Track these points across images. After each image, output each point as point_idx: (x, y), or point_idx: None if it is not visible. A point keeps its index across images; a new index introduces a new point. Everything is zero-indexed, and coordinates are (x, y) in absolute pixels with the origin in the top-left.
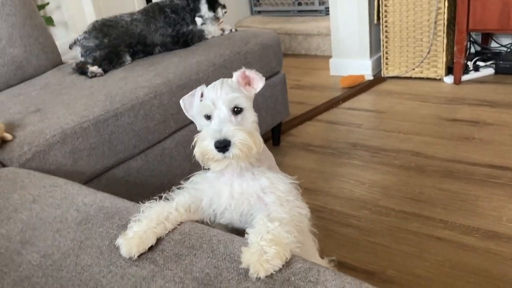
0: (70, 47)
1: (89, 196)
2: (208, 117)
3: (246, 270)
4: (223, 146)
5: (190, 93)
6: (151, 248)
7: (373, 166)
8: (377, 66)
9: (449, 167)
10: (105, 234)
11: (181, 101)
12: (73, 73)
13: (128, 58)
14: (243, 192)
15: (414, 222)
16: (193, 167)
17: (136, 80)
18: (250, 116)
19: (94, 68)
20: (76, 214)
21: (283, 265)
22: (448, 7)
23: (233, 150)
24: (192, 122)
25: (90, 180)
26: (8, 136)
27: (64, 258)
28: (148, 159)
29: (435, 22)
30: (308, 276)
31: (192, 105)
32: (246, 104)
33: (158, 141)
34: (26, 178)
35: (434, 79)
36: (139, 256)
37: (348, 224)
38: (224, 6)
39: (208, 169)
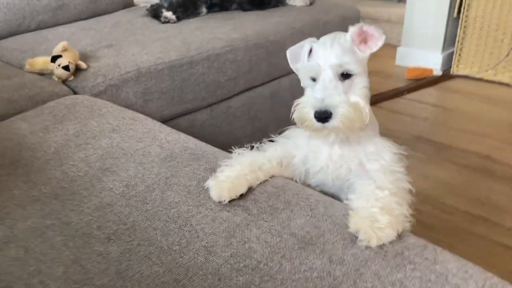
0: None
1: (172, 134)
2: (313, 79)
3: (352, 236)
4: (323, 117)
5: (298, 44)
6: (242, 197)
7: (438, 162)
8: (447, 62)
9: None
10: (192, 174)
11: (287, 52)
12: (145, 15)
13: (204, 9)
14: (344, 155)
15: (480, 226)
16: (255, 130)
17: (212, 31)
18: (360, 82)
19: (169, 14)
20: (160, 150)
21: (395, 238)
22: None
23: (333, 122)
24: (260, 85)
25: None
26: (83, 64)
27: (149, 191)
28: (213, 115)
29: None
30: (424, 253)
31: (299, 58)
32: (357, 69)
33: (225, 98)
34: (104, 107)
35: (508, 85)
36: (230, 203)
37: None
38: None
39: None
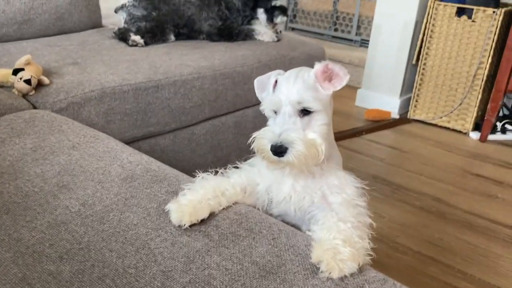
0: (116, 10)
1: (134, 155)
2: (275, 111)
3: (314, 267)
4: (279, 151)
5: (266, 74)
6: (203, 222)
7: (393, 202)
8: (404, 106)
9: (471, 220)
10: (152, 197)
11: (255, 81)
12: (113, 38)
13: (172, 37)
14: (307, 186)
15: (432, 267)
16: (215, 159)
17: (180, 57)
18: (319, 119)
19: (137, 38)
20: (121, 170)
21: (356, 270)
22: (490, 63)
23: (288, 157)
24: (225, 114)
25: None
26: (46, 79)
27: (106, 211)
28: (176, 140)
29: (474, 76)
30: (384, 287)
31: (265, 88)
32: (317, 107)
33: (190, 124)
34: (64, 123)
35: (460, 132)
36: (191, 227)
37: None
38: (285, 13)
39: None
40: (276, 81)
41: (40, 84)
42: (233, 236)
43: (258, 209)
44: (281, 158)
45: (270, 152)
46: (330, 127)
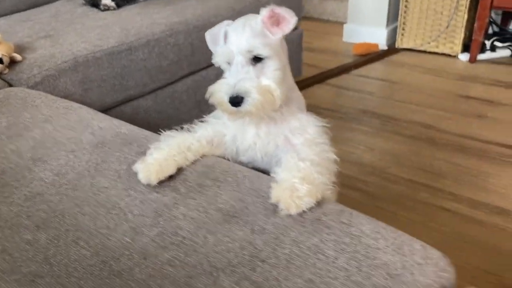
0: None
1: (105, 121)
2: (228, 63)
3: (275, 206)
4: (236, 102)
5: (216, 26)
6: (172, 177)
7: (383, 134)
8: (392, 36)
9: (461, 142)
10: (123, 159)
11: (206, 34)
12: (84, 5)
13: None
14: (270, 131)
15: (423, 192)
16: (201, 114)
17: (152, 16)
18: (272, 65)
19: (108, 1)
20: (92, 137)
21: (314, 205)
22: None
23: (245, 107)
24: (205, 68)
25: None
26: (18, 56)
27: (79, 178)
28: (158, 100)
29: None
30: (341, 218)
31: (217, 41)
32: (268, 53)
33: (169, 83)
34: (38, 98)
35: (449, 55)
36: (159, 183)
37: (355, 188)
38: None
39: None
40: (226, 34)
41: (13, 62)
42: (199, 187)
43: (228, 159)
44: (239, 108)
45: (228, 104)
46: (286, 70)
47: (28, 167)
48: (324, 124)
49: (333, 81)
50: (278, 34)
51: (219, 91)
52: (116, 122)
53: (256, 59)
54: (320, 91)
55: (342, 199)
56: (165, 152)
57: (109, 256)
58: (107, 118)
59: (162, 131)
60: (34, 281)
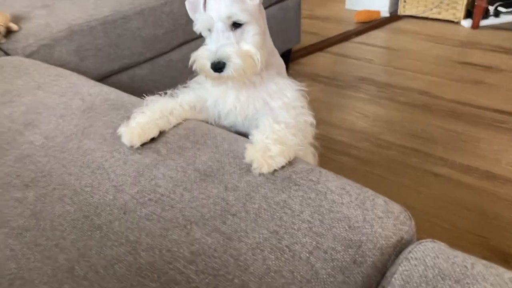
0: None
1: (95, 88)
2: (209, 30)
3: (249, 166)
4: (218, 68)
5: None
6: (154, 140)
7: (379, 101)
8: (394, 3)
9: (455, 108)
10: (109, 123)
11: (186, 2)
12: None
13: None
14: (249, 95)
15: (414, 157)
16: None
17: None
18: (251, 29)
19: None
20: (81, 103)
21: (286, 164)
22: None
23: (227, 72)
24: (201, 36)
25: None
26: (14, 26)
27: (66, 141)
28: (154, 69)
29: None
30: (310, 176)
31: (197, 10)
32: (247, 18)
33: (165, 52)
34: (31, 66)
35: (452, 22)
36: (142, 146)
37: (347, 154)
38: None
39: None
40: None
41: (9, 31)
42: (180, 149)
43: (211, 123)
44: (221, 74)
45: (211, 70)
46: (266, 35)
47: (19, 131)
48: (302, 88)
49: (333, 48)
50: (255, 0)
51: (201, 58)
52: (106, 88)
53: (236, 25)
54: (320, 59)
55: (333, 164)
56: (147, 116)
57: (91, 211)
58: (97, 84)
59: (145, 96)
60: (21, 234)
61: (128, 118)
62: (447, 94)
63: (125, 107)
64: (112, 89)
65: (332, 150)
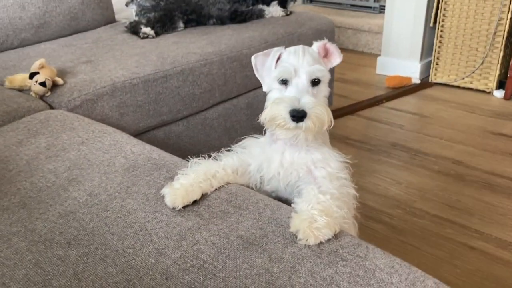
0: (127, 4)
1: (138, 146)
2: (283, 82)
3: (293, 236)
4: (299, 116)
5: (264, 51)
6: (196, 203)
7: (411, 168)
8: (425, 70)
9: (490, 179)
10: (152, 183)
11: (253, 58)
12: (125, 31)
13: (181, 24)
14: (294, 162)
15: (448, 229)
16: (231, 141)
17: (188, 46)
18: (324, 90)
19: (147, 30)
20: (124, 161)
21: (331, 237)
22: (510, 19)
23: (307, 122)
24: (236, 97)
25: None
26: (60, 80)
27: (110, 199)
28: (189, 126)
29: (494, 33)
30: (357, 251)
31: (265, 64)
32: (325, 77)
33: (201, 110)
34: (76, 121)
35: (483, 92)
36: (185, 208)
37: (380, 221)
38: None
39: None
40: (279, 57)
41: (55, 85)
42: (222, 213)
43: (252, 188)
44: (299, 124)
45: (289, 118)
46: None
47: (63, 186)
48: (346, 160)
49: (364, 112)
50: (327, 66)
51: (280, 103)
52: (148, 147)
53: (314, 82)
54: (351, 122)
55: (366, 231)
56: (191, 178)
57: (133, 274)
58: (139, 143)
59: (190, 157)
60: None
61: (171, 178)
62: (481, 165)
63: (167, 167)
64: (154, 148)
65: (366, 217)
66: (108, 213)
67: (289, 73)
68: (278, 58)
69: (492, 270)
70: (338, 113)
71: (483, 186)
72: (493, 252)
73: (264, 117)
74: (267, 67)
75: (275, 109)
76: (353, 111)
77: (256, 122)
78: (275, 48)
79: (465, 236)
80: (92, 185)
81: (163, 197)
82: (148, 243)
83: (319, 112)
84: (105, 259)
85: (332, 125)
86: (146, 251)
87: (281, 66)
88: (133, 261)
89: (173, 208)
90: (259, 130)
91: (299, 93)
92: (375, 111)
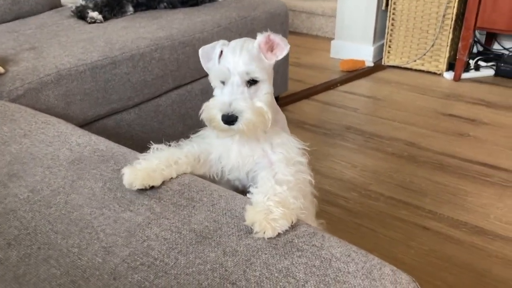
0: None
1: (83, 137)
2: (222, 82)
3: (248, 227)
4: (230, 120)
5: (210, 44)
6: (147, 195)
7: (366, 151)
8: (378, 53)
9: (442, 160)
10: (98, 176)
11: (200, 50)
12: (72, 16)
13: (131, 8)
14: (252, 149)
15: (403, 210)
16: (186, 128)
17: (137, 30)
18: (264, 88)
19: (95, 14)
20: (69, 153)
21: (288, 228)
22: (458, 2)
23: (238, 125)
24: (190, 82)
25: (81, 127)
26: (0, 69)
27: (53, 195)
28: (142, 114)
29: (444, 16)
30: (313, 240)
31: (210, 59)
32: (262, 77)
33: (153, 97)
34: (17, 112)
35: (434, 73)
36: (134, 202)
37: (336, 204)
38: None
39: None
40: (221, 52)
41: None
42: (174, 206)
43: (213, 177)
44: (231, 127)
45: (221, 121)
46: (272, 94)
47: (3, 182)
48: (304, 147)
49: (319, 96)
50: (272, 59)
51: (213, 108)
52: (95, 138)
53: (251, 82)
54: (307, 107)
55: (322, 215)
56: (154, 164)
57: (78, 275)
58: (85, 133)
59: (151, 143)
60: None
61: (119, 170)
62: (433, 146)
63: (115, 158)
64: (102, 138)
65: (321, 201)
66: (51, 210)
67: (223, 75)
68: (222, 53)
69: (445, 249)
70: (293, 98)
71: (435, 167)
72: (446, 231)
73: (202, 117)
74: (212, 62)
75: (209, 112)
76: (308, 95)
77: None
78: (220, 42)
79: (419, 217)
80: (34, 181)
81: (112, 189)
82: (95, 241)
83: (249, 116)
84: (48, 259)
85: (269, 126)
86: (92, 250)
87: (216, 69)
88: (79, 261)
89: (129, 187)
90: None
91: (232, 95)
92: (330, 95)
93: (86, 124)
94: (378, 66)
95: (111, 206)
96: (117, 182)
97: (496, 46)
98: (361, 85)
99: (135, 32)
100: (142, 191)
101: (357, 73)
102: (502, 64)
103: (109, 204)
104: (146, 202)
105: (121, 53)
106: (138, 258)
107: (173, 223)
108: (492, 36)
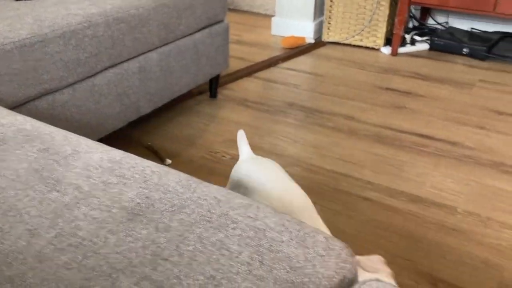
0: None
1: (8, 117)
2: None
3: (182, 202)
4: None
5: None
6: (75, 173)
7: (308, 126)
8: (319, 30)
9: (380, 132)
10: (23, 157)
11: None
12: None
13: None
14: None
15: (343, 182)
16: (124, 107)
17: (68, 7)
18: None
19: None
20: None
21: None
22: None
23: None
24: (126, 60)
25: (11, 109)
26: None
27: None
28: (76, 94)
29: None
30: (247, 212)
31: None
32: None
33: (88, 76)
34: None
35: (373, 49)
36: (61, 182)
37: None
38: None
39: None
40: None
41: None
42: (104, 184)
43: None
44: None
45: None
46: None
47: None
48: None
49: (261, 74)
50: None
51: None
52: (21, 117)
53: None
54: (248, 84)
55: None
56: None
57: (0, 260)
58: (10, 113)
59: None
60: None
61: (46, 150)
62: (371, 119)
63: (41, 138)
64: (28, 118)
65: None
66: None
67: None
68: None
69: (383, 218)
70: (235, 76)
71: (373, 139)
72: (384, 201)
73: None
74: None
75: None
76: (250, 73)
77: (154, 89)
78: None
79: (359, 188)
80: None
81: (37, 170)
82: (19, 224)
83: None
84: None
85: None
86: (16, 233)
87: None
88: (1, 245)
89: None
90: (154, 94)
91: None
92: (272, 72)
93: (16, 107)
94: (318, 43)
95: (37, 187)
96: (43, 162)
97: (430, 21)
98: (302, 62)
99: (65, 8)
100: (70, 169)
101: (298, 50)
102: (436, 39)
103: (35, 185)
104: (74, 182)
105: (51, 30)
106: (65, 239)
107: (102, 201)
108: (426, 11)
